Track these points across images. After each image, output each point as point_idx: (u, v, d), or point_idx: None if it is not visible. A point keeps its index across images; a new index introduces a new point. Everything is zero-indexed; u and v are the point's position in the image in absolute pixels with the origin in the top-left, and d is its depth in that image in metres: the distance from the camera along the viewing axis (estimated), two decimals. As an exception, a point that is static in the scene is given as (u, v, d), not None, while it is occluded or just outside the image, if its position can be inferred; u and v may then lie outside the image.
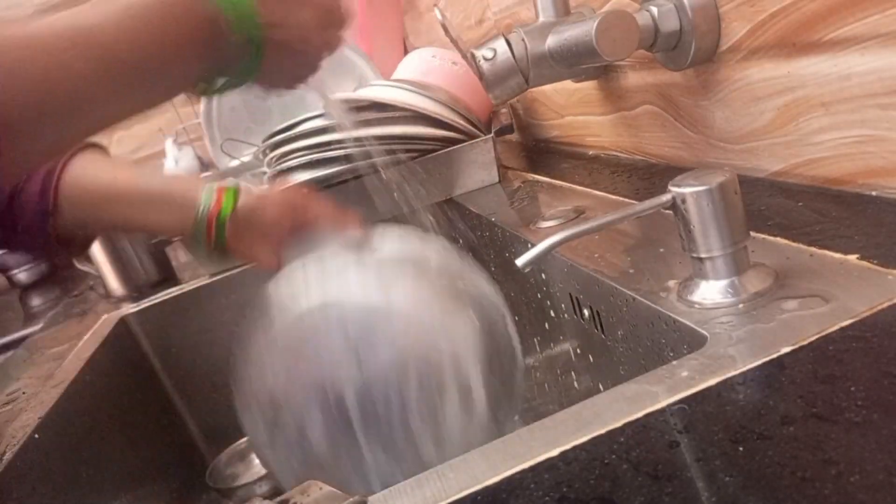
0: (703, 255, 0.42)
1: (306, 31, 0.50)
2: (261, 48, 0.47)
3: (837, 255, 0.42)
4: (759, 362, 0.34)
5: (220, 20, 0.45)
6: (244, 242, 0.66)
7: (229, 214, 0.64)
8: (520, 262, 0.44)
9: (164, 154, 1.60)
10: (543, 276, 0.68)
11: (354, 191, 0.90)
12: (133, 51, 0.42)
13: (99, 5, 0.42)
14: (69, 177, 0.63)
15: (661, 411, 0.33)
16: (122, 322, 0.94)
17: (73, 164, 0.64)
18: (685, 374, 0.36)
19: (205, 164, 1.56)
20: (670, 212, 0.42)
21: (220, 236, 0.65)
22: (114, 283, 1.09)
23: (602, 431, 0.33)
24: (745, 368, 0.34)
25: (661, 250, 0.53)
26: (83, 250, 0.73)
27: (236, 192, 0.65)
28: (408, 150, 0.91)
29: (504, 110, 1.09)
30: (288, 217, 0.67)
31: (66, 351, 0.85)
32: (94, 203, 0.64)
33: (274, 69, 0.50)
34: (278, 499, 0.37)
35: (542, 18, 0.69)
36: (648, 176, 0.73)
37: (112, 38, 0.41)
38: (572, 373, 0.70)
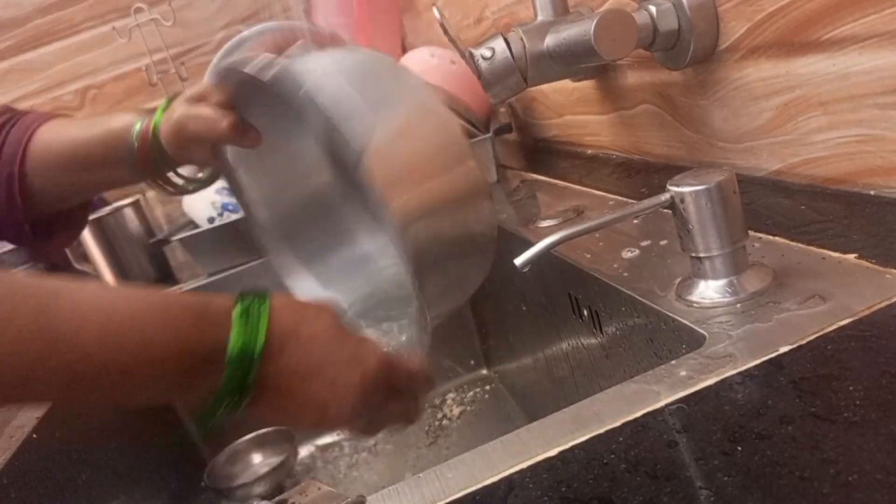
0: (701, 255, 0.42)
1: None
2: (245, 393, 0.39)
3: (836, 255, 0.42)
4: (758, 362, 0.34)
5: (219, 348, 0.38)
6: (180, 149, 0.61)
7: (160, 121, 0.60)
8: (518, 261, 0.44)
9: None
10: (542, 275, 0.68)
11: (353, 190, 0.90)
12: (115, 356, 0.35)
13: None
14: (36, 142, 0.62)
15: (660, 411, 0.33)
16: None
17: (40, 130, 0.63)
18: (684, 373, 0.36)
19: (203, 164, 1.56)
20: (669, 211, 0.42)
21: (156, 141, 0.60)
22: (111, 282, 1.09)
23: (601, 431, 0.33)
24: (743, 368, 0.34)
25: (660, 250, 0.53)
26: (66, 241, 0.71)
27: (167, 103, 0.62)
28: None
29: (502, 109, 1.09)
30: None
31: (64, 351, 0.84)
32: (60, 164, 0.63)
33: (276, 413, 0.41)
34: (277, 499, 0.38)
35: (540, 17, 0.69)
36: (647, 175, 0.73)
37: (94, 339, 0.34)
38: (571, 372, 0.70)
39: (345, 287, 0.62)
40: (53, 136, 0.63)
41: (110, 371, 0.34)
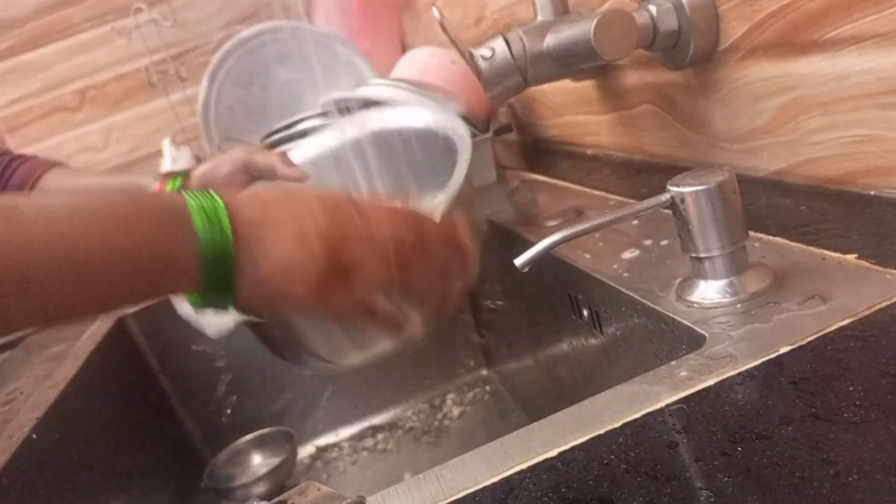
0: (701, 255, 0.42)
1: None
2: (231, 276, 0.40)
3: (836, 255, 0.42)
4: (758, 362, 0.34)
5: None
6: None
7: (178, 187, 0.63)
8: (518, 261, 0.44)
9: (161, 154, 1.60)
10: (542, 275, 0.68)
11: (353, 190, 0.90)
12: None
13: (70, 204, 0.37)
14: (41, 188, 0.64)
15: (660, 411, 0.33)
16: (120, 322, 0.94)
17: (43, 178, 0.64)
18: (684, 373, 0.36)
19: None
20: (669, 211, 0.42)
21: None
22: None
23: (601, 432, 0.33)
24: (743, 368, 0.34)
25: (660, 250, 0.53)
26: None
27: (179, 182, 0.65)
28: (406, 150, 0.90)
29: (503, 109, 1.09)
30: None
31: (63, 351, 0.85)
32: None
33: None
34: (276, 499, 0.37)
35: (540, 17, 0.69)
36: (647, 175, 0.73)
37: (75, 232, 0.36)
38: (571, 372, 0.70)
39: None
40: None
41: (73, 273, 0.36)
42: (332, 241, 0.42)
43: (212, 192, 0.41)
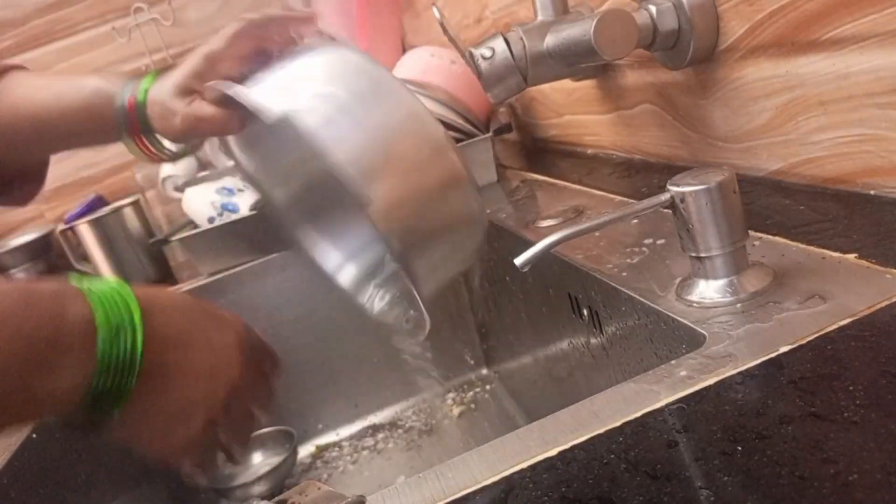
0: (701, 255, 0.42)
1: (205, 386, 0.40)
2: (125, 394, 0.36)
3: (836, 255, 0.42)
4: (758, 361, 0.34)
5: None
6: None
7: (146, 101, 0.58)
8: (518, 261, 0.44)
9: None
10: (542, 275, 0.68)
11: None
12: None
13: None
14: (2, 105, 0.60)
15: (660, 411, 0.33)
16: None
17: (5, 89, 0.61)
18: (684, 373, 0.36)
19: (202, 164, 1.56)
20: (669, 211, 0.42)
21: (142, 116, 0.59)
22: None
23: (601, 431, 0.33)
24: (743, 368, 0.34)
25: (660, 250, 0.53)
26: (25, 198, 0.68)
27: (151, 80, 0.60)
28: (406, 150, 0.90)
29: (503, 109, 1.09)
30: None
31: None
32: (29, 129, 0.61)
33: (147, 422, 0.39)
34: (276, 499, 0.37)
35: (540, 17, 0.69)
36: (647, 175, 0.73)
37: None
38: (571, 372, 0.70)
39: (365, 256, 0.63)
40: (20, 100, 0.61)
41: None
42: (244, 364, 0.42)
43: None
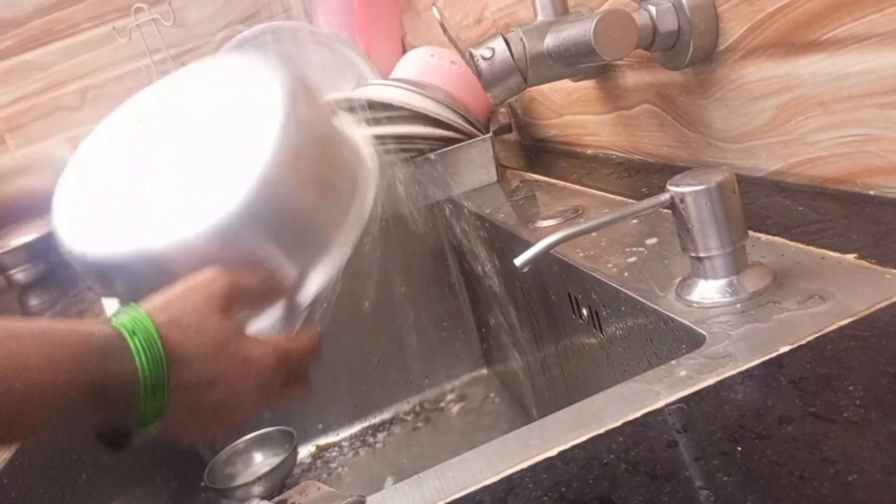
0: (701, 255, 0.42)
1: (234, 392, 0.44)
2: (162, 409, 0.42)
3: (836, 255, 0.42)
4: (758, 362, 0.34)
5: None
6: None
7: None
8: (518, 261, 0.44)
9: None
10: (542, 275, 0.68)
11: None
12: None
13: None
14: None
15: (660, 411, 0.33)
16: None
17: None
18: (683, 373, 0.36)
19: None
20: (669, 211, 0.42)
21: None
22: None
23: (601, 431, 0.33)
24: (743, 368, 0.34)
25: (660, 250, 0.53)
26: None
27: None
28: (406, 150, 0.90)
29: (502, 110, 1.09)
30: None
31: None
32: None
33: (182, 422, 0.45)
34: (276, 499, 0.38)
35: (540, 18, 0.69)
36: (647, 175, 0.73)
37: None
38: (571, 372, 0.70)
39: None
40: None
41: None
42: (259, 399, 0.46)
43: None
